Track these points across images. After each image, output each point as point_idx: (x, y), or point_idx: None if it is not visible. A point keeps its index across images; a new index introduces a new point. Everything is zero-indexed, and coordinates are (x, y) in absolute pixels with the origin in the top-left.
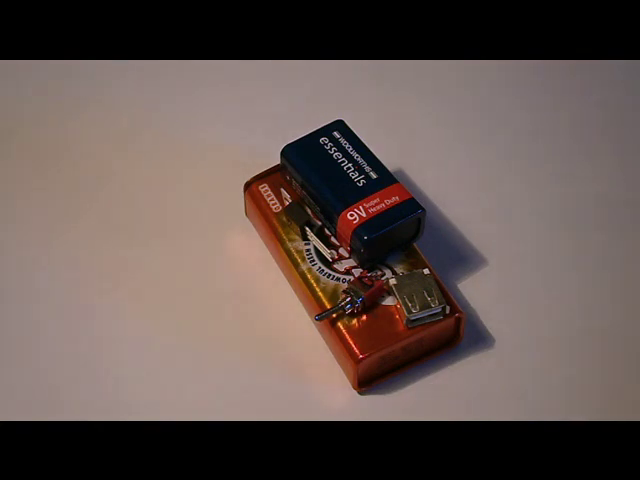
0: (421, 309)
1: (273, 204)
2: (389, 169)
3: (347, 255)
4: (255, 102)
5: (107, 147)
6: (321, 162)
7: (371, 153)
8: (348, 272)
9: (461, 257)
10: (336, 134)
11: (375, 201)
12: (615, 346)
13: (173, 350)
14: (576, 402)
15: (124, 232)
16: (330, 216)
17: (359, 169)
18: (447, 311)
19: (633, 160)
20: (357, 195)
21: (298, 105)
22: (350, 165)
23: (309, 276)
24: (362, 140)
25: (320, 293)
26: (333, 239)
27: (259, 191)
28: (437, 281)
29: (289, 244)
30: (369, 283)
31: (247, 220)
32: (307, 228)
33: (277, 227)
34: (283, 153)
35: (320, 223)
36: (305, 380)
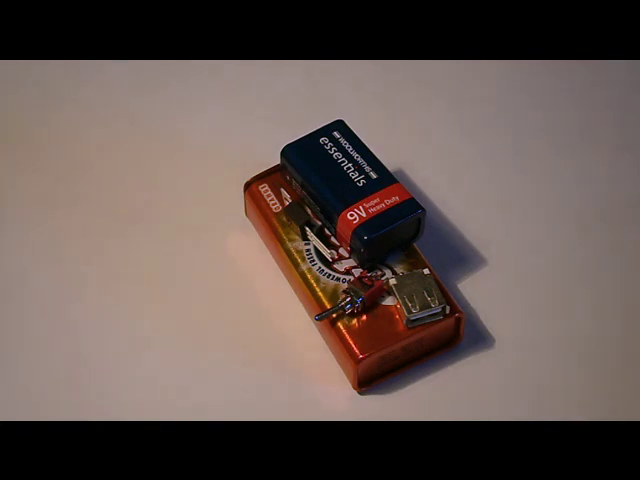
0: (421, 309)
1: (273, 204)
2: (389, 169)
3: (347, 255)
4: (255, 102)
5: (107, 147)
6: (321, 162)
7: (371, 153)
8: (348, 272)
9: (461, 257)
10: (336, 134)
11: (375, 201)
12: (615, 346)
13: (173, 350)
14: (576, 402)
15: (124, 232)
16: (330, 216)
17: (359, 169)
18: (447, 311)
19: (633, 160)
20: (357, 195)
21: (298, 105)
22: (350, 165)
23: (309, 276)
24: (362, 140)
25: (320, 293)
26: (333, 239)
27: (259, 191)
28: (437, 281)
29: (289, 244)
30: (369, 283)
31: (247, 220)
32: (307, 228)
33: (277, 227)
34: (283, 153)
35: (320, 223)
36: (305, 380)
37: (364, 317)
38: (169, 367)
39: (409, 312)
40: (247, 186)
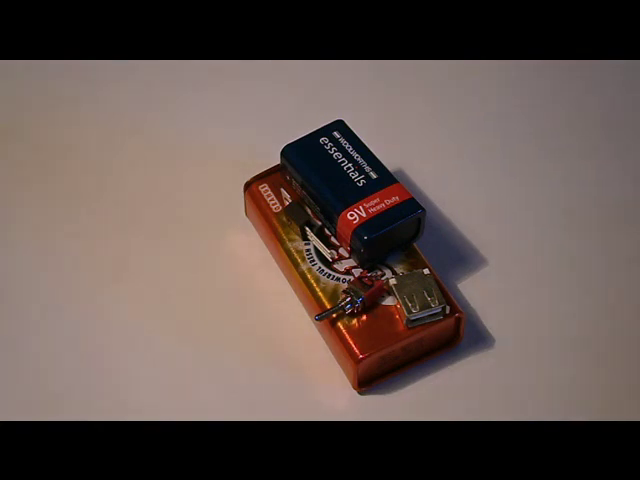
0: (421, 309)
1: (273, 204)
2: (389, 169)
3: (347, 255)
4: (255, 102)
5: (107, 147)
6: (321, 162)
7: (371, 153)
8: (348, 272)
9: (461, 257)
10: (336, 134)
11: (375, 201)
12: (615, 346)
13: (173, 350)
14: (576, 402)
15: (124, 232)
16: (330, 216)
17: (359, 169)
18: (447, 311)
19: (633, 160)
20: (357, 195)
21: (298, 105)
22: (350, 165)
23: (309, 276)
24: (362, 140)
25: (320, 293)
26: (333, 239)
27: (259, 191)
28: (437, 281)
29: (289, 244)
30: (369, 283)
31: (247, 220)
32: (307, 228)
33: (277, 227)
34: (283, 153)
35: (320, 223)
36: (305, 380)
37: (364, 317)
38: (169, 367)
39: (409, 312)
40: (247, 186)
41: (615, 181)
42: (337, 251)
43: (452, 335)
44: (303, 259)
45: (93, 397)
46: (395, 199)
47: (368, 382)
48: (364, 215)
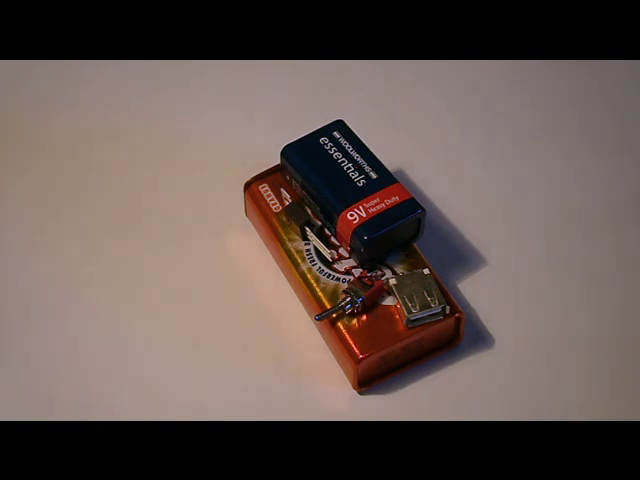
0: (421, 309)
1: (273, 204)
2: (389, 169)
3: (347, 255)
4: (255, 102)
5: (106, 147)
6: (321, 162)
7: (371, 153)
8: (348, 272)
9: (461, 257)
10: (336, 134)
11: (375, 201)
12: (615, 346)
13: (173, 350)
14: (576, 402)
15: (124, 232)
16: (330, 216)
17: (359, 169)
18: (447, 311)
19: (633, 160)
20: (357, 195)
21: (298, 105)
22: (350, 165)
23: (309, 276)
24: (362, 140)
25: (320, 293)
26: (333, 239)
27: (259, 191)
28: (437, 281)
29: (289, 244)
30: (369, 283)
31: (247, 220)
32: (307, 228)
33: (277, 227)
34: (283, 153)
35: (320, 223)
36: (305, 380)
37: (364, 317)
38: (169, 367)
39: (409, 312)
40: (247, 186)
41: (616, 181)
42: (337, 251)
43: (452, 335)
44: (303, 259)
45: (93, 397)
46: (395, 199)
47: (368, 382)
48: (364, 215)
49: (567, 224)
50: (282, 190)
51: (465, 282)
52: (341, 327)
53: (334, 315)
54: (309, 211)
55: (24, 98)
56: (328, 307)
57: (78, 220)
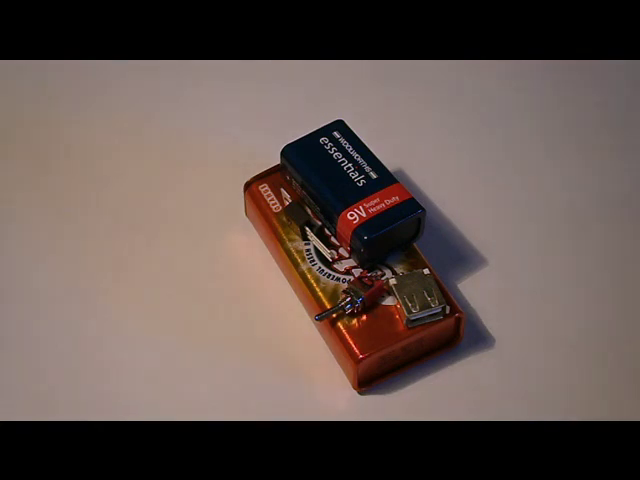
0: (421, 309)
1: (273, 204)
2: (389, 169)
3: (347, 255)
4: (255, 102)
5: (106, 147)
6: (321, 162)
7: (371, 153)
8: (348, 272)
9: (461, 257)
10: (336, 134)
11: (375, 201)
12: (615, 346)
13: (173, 350)
14: (576, 402)
15: (124, 232)
16: (330, 216)
17: (359, 169)
18: (447, 311)
19: (633, 160)
20: (357, 195)
21: (298, 105)
22: (350, 165)
23: (309, 276)
24: (362, 140)
25: (320, 293)
26: (333, 239)
27: (259, 191)
28: (437, 281)
29: (289, 244)
30: (369, 283)
31: (247, 220)
32: (307, 228)
33: (277, 227)
34: (283, 153)
35: (320, 223)
36: (305, 380)
37: (364, 317)
38: (169, 367)
39: (409, 312)
40: (247, 186)
41: (616, 180)
42: (337, 251)
43: (452, 335)
44: (303, 259)
45: (92, 397)
46: (395, 199)
47: (368, 382)
48: (364, 215)
49: (567, 224)
50: (282, 190)
51: (465, 282)
52: (341, 327)
53: (334, 315)
54: (309, 211)
55: (24, 98)
56: (328, 307)
57: (77, 219)
